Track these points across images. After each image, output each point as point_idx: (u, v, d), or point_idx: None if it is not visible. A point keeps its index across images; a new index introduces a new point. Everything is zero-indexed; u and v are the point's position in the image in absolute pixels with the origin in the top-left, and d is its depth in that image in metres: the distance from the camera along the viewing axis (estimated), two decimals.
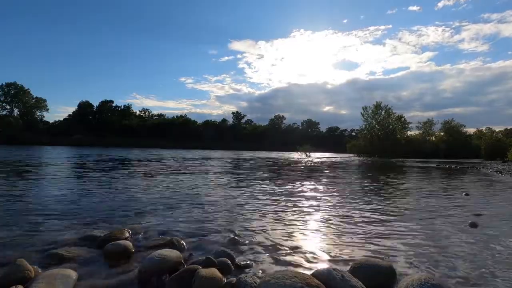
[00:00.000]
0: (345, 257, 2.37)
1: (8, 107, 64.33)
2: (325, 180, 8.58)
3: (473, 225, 3.47)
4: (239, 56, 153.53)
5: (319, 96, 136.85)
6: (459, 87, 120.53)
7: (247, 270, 2.07)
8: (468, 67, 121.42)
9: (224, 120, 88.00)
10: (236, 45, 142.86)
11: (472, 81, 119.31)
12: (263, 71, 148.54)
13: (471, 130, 65.51)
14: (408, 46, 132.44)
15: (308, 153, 38.85)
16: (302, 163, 19.22)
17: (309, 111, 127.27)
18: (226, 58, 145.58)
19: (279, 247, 2.56)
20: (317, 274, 1.78)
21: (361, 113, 52.04)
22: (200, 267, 1.89)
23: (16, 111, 64.82)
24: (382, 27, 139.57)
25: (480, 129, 64.32)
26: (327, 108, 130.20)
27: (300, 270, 2.02)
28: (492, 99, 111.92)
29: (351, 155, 49.15)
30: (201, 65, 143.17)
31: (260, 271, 2.05)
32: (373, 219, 3.68)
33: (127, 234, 2.69)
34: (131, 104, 79.08)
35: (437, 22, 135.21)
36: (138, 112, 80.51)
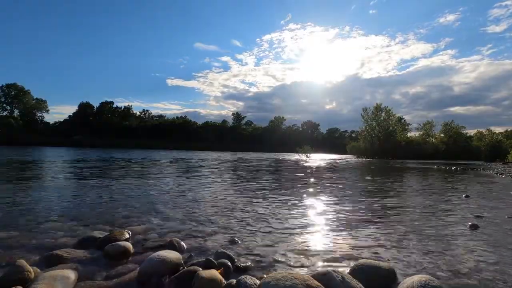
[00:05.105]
0: (346, 258, 2.37)
1: (8, 108, 64.48)
2: (325, 181, 8.58)
3: (474, 226, 3.47)
4: (231, 52, 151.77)
5: (319, 95, 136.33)
6: (468, 85, 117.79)
7: (247, 271, 2.06)
8: (479, 64, 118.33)
9: (224, 121, 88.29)
10: (233, 42, 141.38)
11: (482, 78, 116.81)
12: (261, 69, 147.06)
13: (471, 132, 65.75)
14: (418, 36, 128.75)
15: (308, 155, 38.89)
16: (302, 164, 19.22)
17: (308, 110, 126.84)
18: (221, 56, 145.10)
19: (279, 248, 2.56)
20: (317, 276, 1.77)
21: (361, 115, 52.19)
22: (200, 269, 1.89)
23: (16, 112, 64.95)
24: (384, 18, 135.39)
25: (480, 130, 64.58)
26: (327, 107, 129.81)
27: (300, 271, 2.02)
28: (502, 97, 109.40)
29: (351, 156, 49.15)
30: (195, 65, 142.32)
31: (260, 273, 2.04)
32: (373, 220, 3.68)
33: (127, 235, 2.70)
34: (131, 106, 79.33)
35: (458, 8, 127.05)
36: (138, 113, 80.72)
